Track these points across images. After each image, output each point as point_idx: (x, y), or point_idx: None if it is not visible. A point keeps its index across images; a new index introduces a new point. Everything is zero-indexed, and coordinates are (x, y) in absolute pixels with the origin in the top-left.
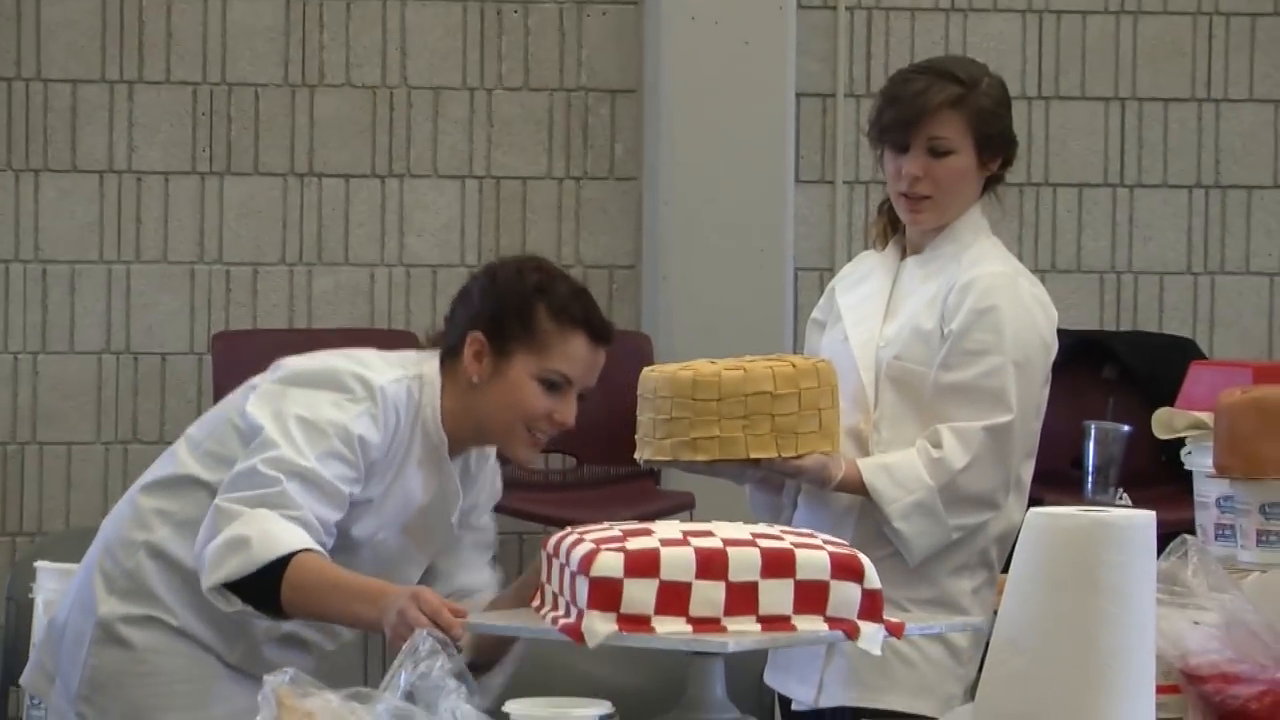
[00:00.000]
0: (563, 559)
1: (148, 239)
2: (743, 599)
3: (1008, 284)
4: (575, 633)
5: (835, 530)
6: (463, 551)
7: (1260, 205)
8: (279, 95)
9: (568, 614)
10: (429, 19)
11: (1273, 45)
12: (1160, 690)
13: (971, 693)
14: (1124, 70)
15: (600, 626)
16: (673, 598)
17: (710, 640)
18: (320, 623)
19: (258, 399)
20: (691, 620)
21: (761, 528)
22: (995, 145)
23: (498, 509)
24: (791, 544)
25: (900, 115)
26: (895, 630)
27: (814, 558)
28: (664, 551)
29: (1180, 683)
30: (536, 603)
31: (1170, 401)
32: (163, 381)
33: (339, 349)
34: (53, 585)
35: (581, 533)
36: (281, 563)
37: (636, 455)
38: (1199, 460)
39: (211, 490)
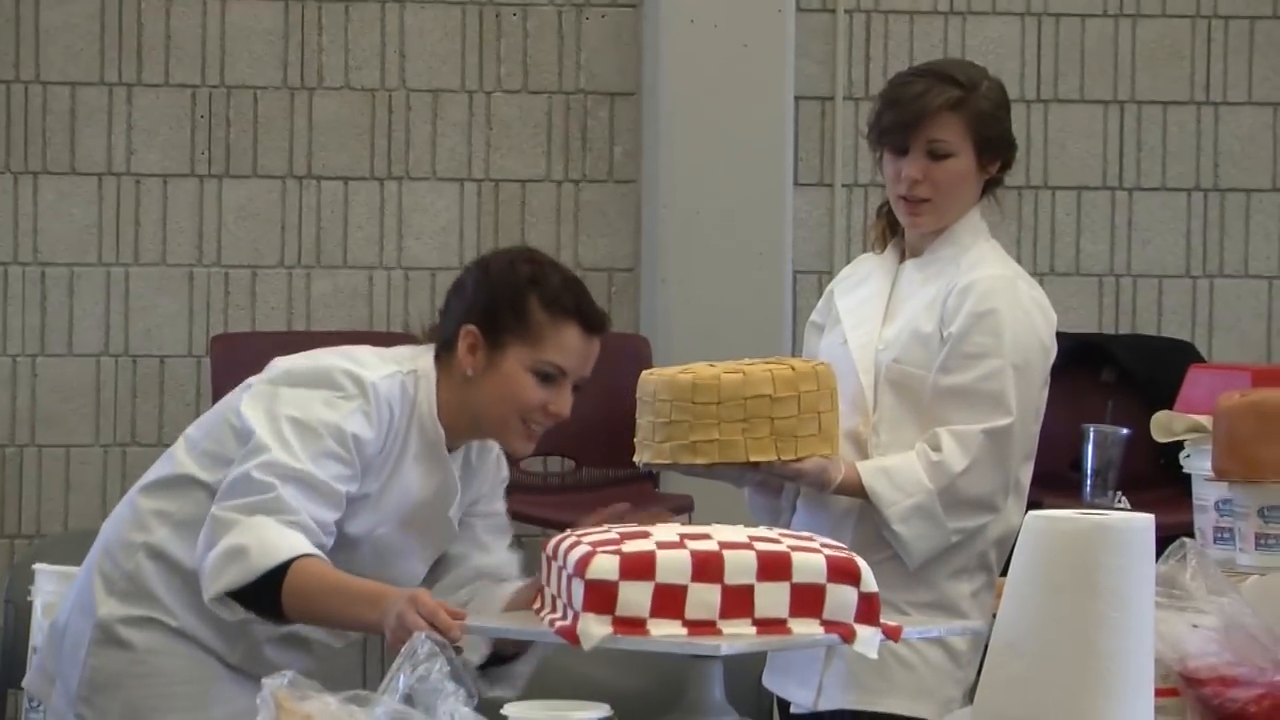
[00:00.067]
0: (560, 561)
1: (146, 241)
2: (739, 602)
3: (1007, 287)
4: (570, 635)
5: (834, 533)
6: (478, 535)
7: (1259, 208)
8: (278, 98)
9: (565, 616)
10: (428, 22)
11: (1271, 48)
12: (1159, 693)
13: (970, 696)
14: (1123, 73)
15: (595, 629)
16: (668, 600)
17: (703, 643)
18: None
19: (251, 399)
20: (687, 623)
21: (760, 531)
22: (994, 148)
23: None
24: (788, 547)
25: (899, 118)
26: (892, 634)
27: (810, 561)
28: (660, 554)
29: (1179, 686)
30: (537, 604)
31: (1169, 405)
32: (161, 384)
33: (334, 347)
34: (51, 588)
35: (579, 535)
36: (281, 569)
37: (636, 458)
38: (1198, 463)
39: (210, 490)
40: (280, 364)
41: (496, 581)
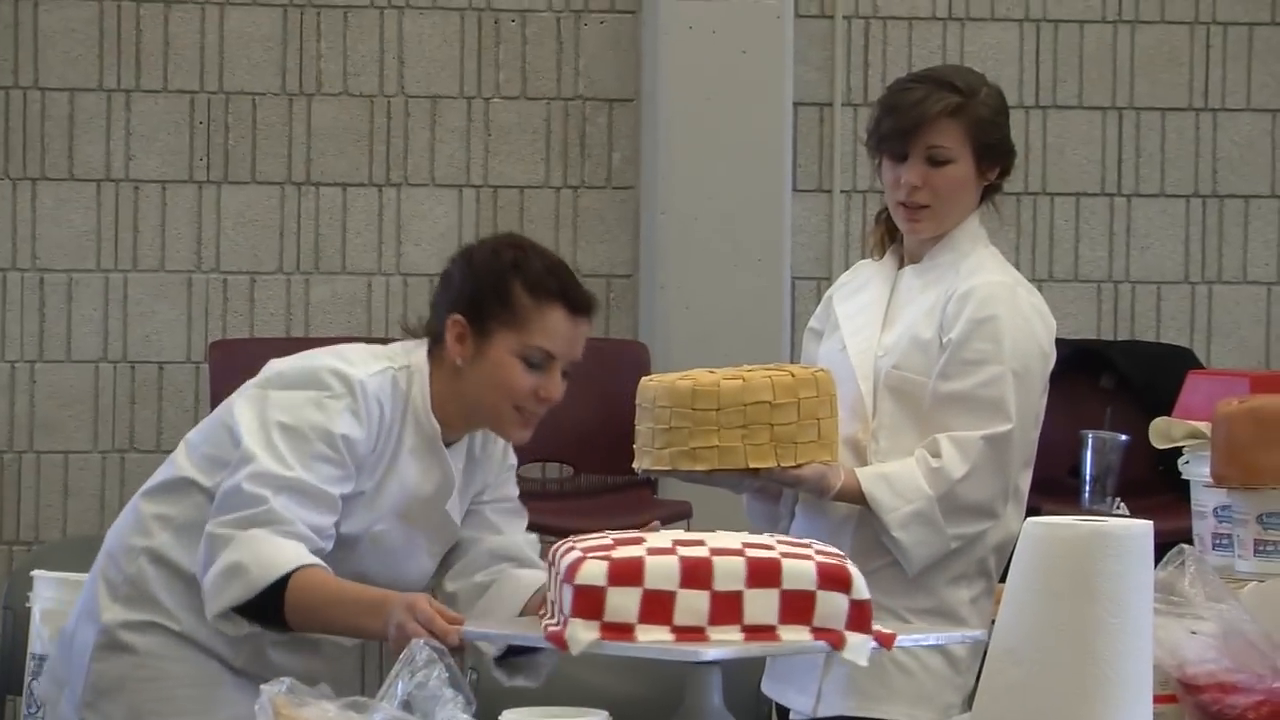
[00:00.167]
0: (556, 567)
1: (145, 248)
2: (727, 609)
3: (1006, 293)
4: (559, 640)
5: (833, 540)
6: (488, 518)
7: (1257, 214)
8: (276, 104)
9: (558, 621)
10: (426, 28)
11: (1270, 55)
12: (1157, 700)
13: (970, 702)
14: (1121, 80)
15: (583, 634)
16: (657, 607)
17: (684, 649)
18: None
19: (242, 403)
20: (675, 629)
21: (756, 537)
22: (993, 154)
23: None
24: (780, 554)
25: (898, 124)
26: (885, 641)
27: (800, 568)
28: (649, 560)
29: (1178, 692)
30: (543, 610)
31: (1168, 411)
32: (160, 390)
33: (329, 346)
34: (49, 594)
35: (575, 541)
36: (281, 583)
37: (635, 465)
38: (1196, 470)
39: (210, 495)
40: (273, 366)
41: (516, 565)
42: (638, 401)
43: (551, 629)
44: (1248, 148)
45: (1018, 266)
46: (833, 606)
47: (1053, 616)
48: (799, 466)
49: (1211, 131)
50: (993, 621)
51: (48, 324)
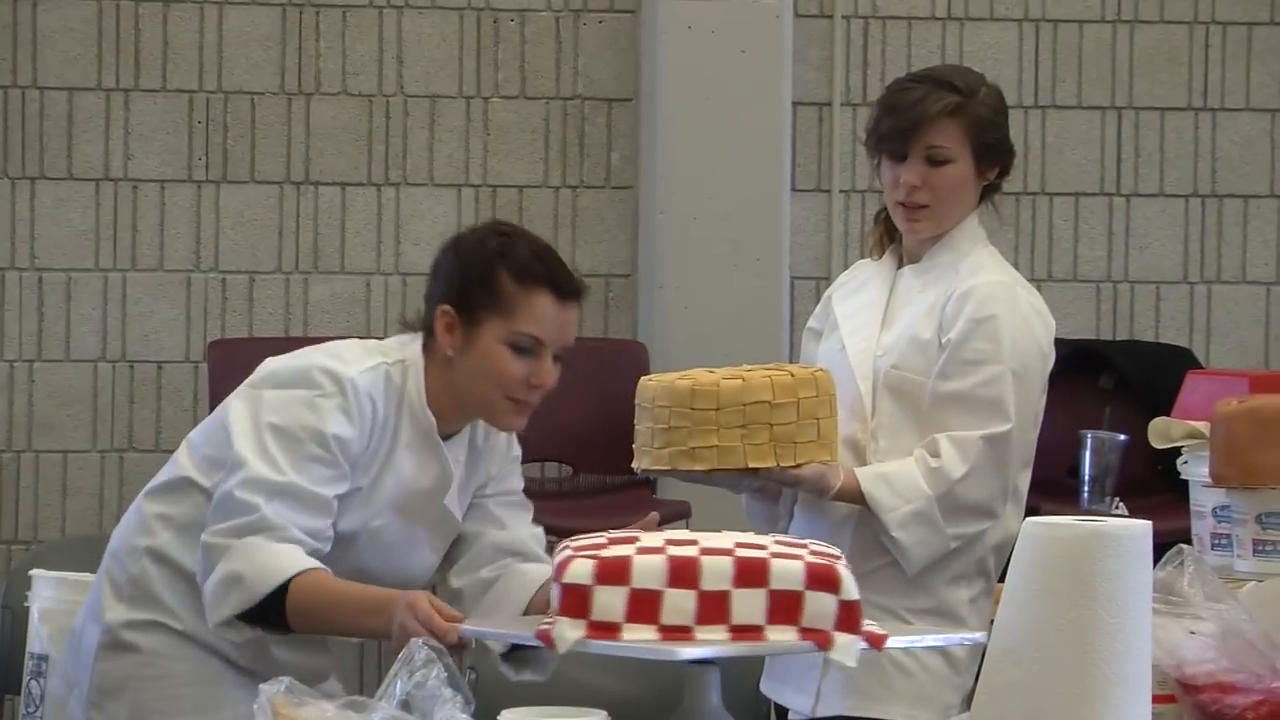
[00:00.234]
0: (551, 566)
1: (144, 247)
2: (715, 608)
3: (1006, 293)
4: (547, 638)
5: (833, 540)
6: (491, 512)
7: (1257, 214)
8: (275, 104)
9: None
10: (425, 28)
11: (1269, 54)
12: (1156, 700)
13: (969, 702)
14: (1120, 79)
15: (569, 633)
16: (644, 606)
17: (662, 648)
18: None
19: (236, 404)
20: (662, 629)
21: (750, 537)
22: (993, 154)
23: None
24: (771, 554)
25: (898, 124)
26: (876, 642)
27: (788, 568)
28: (636, 560)
29: (1176, 692)
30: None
31: (1167, 411)
32: (159, 390)
33: (324, 343)
34: (48, 594)
35: (571, 542)
36: (280, 589)
37: (634, 464)
38: (1195, 470)
39: (209, 495)
40: (267, 365)
41: (522, 561)
42: (637, 401)
43: (541, 627)
44: (1247, 147)
45: (1017, 266)
46: (821, 607)
47: (1052, 616)
48: (798, 466)
49: (1211, 131)
50: (991, 621)
51: (46, 323)
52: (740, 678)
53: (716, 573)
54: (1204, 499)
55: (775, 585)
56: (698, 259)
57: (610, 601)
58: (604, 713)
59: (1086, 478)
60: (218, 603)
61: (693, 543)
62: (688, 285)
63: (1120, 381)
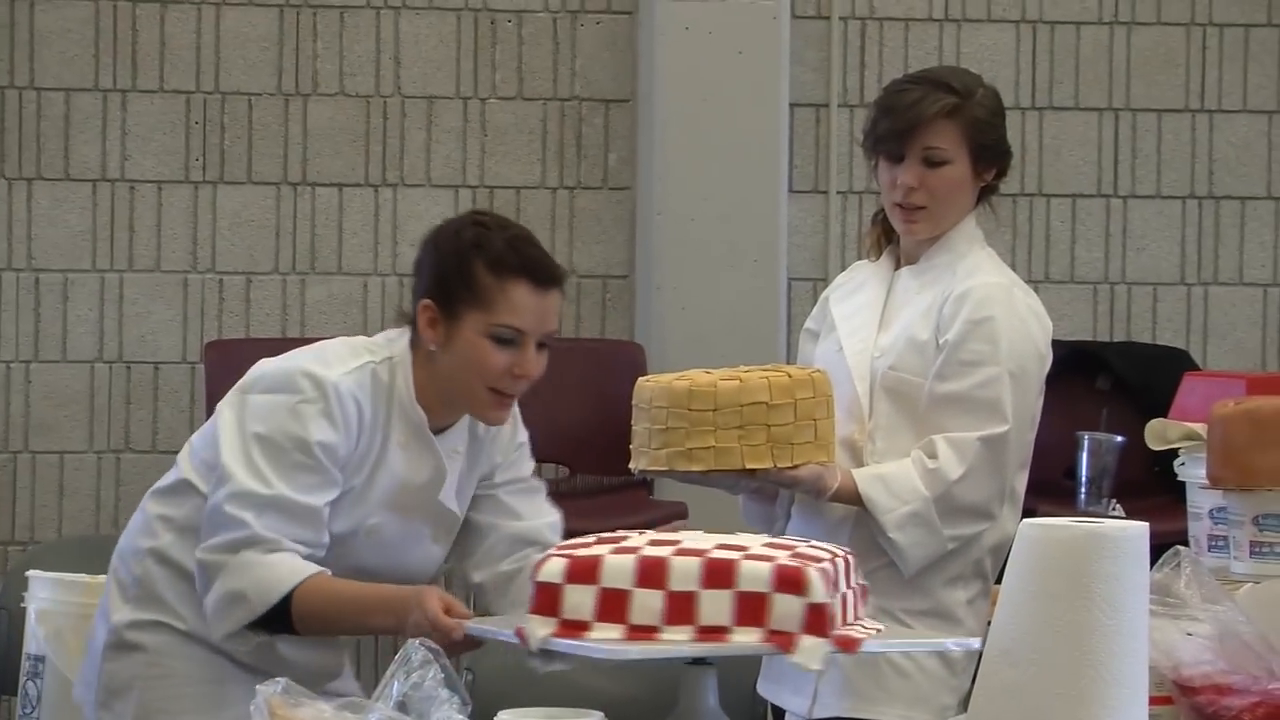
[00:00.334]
0: None
1: (141, 248)
2: (682, 609)
3: (1003, 295)
4: (521, 635)
5: (829, 541)
6: (503, 502)
7: (1253, 216)
8: (272, 104)
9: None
10: (423, 28)
11: (1266, 56)
12: (1153, 701)
13: (966, 703)
14: (1117, 81)
15: (539, 630)
16: (613, 605)
17: (614, 648)
18: None
19: (224, 410)
20: (631, 628)
21: (738, 538)
22: (990, 155)
23: None
24: (744, 555)
25: (895, 125)
26: (847, 646)
27: (756, 569)
28: (606, 559)
29: (1173, 694)
30: None
31: (1164, 412)
32: (155, 391)
33: (314, 344)
34: (45, 594)
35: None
36: (284, 601)
37: (632, 465)
38: (1192, 471)
39: (206, 499)
40: (257, 367)
41: (540, 550)
42: (634, 402)
43: (518, 624)
44: (1244, 149)
45: (1014, 268)
46: (787, 609)
47: (1048, 618)
48: (795, 467)
49: (1208, 133)
50: (988, 623)
51: (43, 324)
52: (737, 679)
53: (685, 573)
54: (1201, 500)
55: (743, 587)
56: (695, 260)
57: (580, 600)
58: (601, 714)
59: (1083, 479)
60: (221, 619)
61: (673, 543)
62: (685, 286)
63: (1117, 383)
